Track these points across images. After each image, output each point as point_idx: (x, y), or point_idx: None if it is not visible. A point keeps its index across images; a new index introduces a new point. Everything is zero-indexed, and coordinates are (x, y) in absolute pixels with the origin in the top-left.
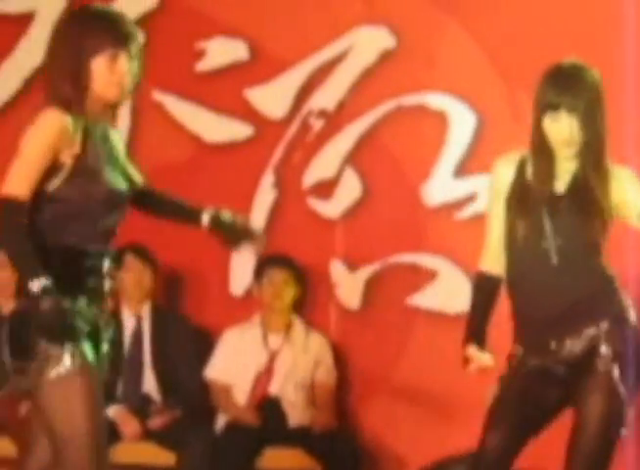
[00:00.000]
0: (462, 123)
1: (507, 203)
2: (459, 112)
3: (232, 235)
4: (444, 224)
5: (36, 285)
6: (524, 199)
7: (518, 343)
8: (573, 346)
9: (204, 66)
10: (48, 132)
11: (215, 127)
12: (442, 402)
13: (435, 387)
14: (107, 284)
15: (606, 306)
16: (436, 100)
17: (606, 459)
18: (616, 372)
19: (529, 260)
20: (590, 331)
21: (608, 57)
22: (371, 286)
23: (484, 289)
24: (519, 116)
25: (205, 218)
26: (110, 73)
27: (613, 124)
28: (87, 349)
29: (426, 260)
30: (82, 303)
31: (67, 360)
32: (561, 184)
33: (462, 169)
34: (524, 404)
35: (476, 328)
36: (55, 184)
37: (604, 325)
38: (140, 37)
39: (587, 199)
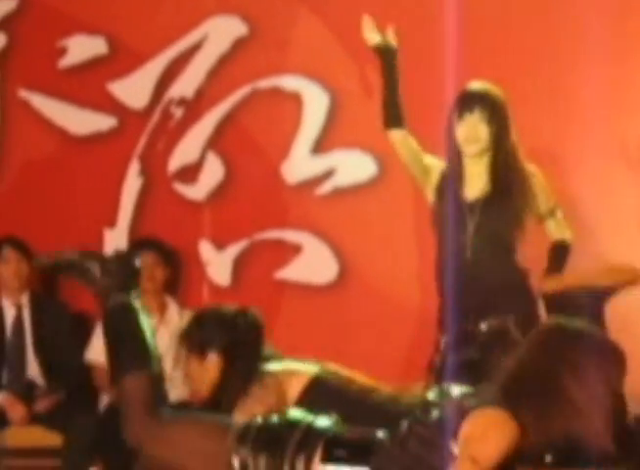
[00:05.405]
0: (316, 103)
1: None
2: (312, 92)
3: None
4: (305, 200)
5: None
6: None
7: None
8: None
9: (66, 62)
10: None
11: (80, 121)
12: None
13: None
14: None
15: (514, 301)
16: (290, 82)
17: None
18: None
19: (450, 253)
20: (496, 323)
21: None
22: (239, 263)
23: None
24: (369, 92)
25: None
26: None
27: None
28: None
29: (290, 236)
30: None
31: None
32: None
33: (319, 147)
34: None
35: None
36: None
37: (511, 318)
38: None
39: (503, 201)
